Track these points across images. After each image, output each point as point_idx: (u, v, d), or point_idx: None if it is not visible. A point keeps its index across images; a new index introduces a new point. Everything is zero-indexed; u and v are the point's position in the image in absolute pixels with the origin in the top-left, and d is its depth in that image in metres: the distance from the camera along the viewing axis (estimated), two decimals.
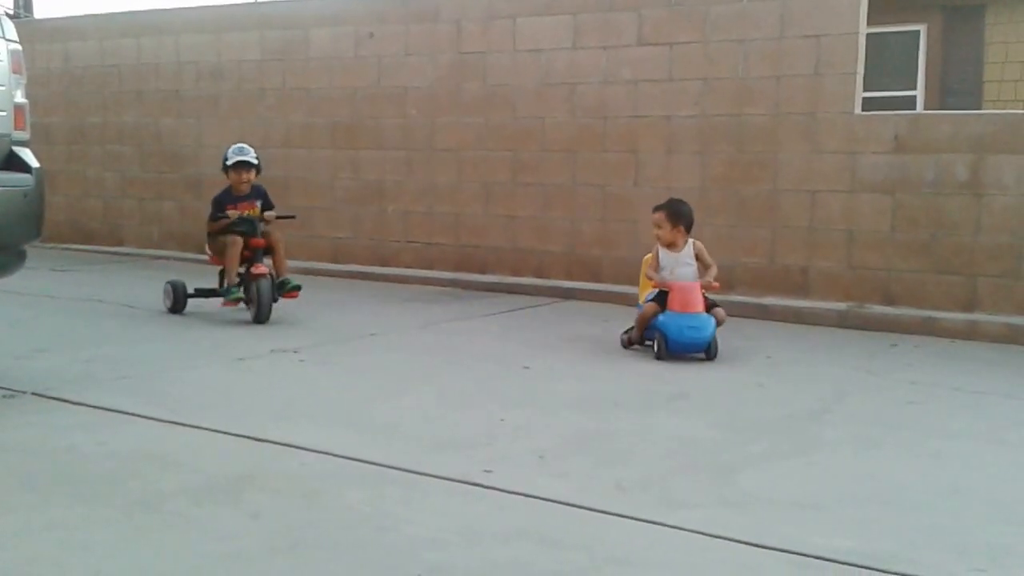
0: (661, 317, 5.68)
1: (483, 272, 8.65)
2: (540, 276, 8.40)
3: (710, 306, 5.75)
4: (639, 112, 7.89)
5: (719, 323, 5.71)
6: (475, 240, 8.74)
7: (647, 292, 5.96)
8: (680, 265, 5.83)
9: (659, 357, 5.66)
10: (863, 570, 2.80)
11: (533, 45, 8.32)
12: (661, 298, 5.75)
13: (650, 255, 5.98)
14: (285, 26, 9.65)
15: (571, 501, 3.30)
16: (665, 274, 5.80)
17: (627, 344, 5.97)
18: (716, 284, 5.83)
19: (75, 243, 10.97)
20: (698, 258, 5.87)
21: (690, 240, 5.89)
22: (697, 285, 5.73)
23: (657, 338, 5.71)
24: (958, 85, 10.06)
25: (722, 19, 7.49)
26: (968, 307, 6.75)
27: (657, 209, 5.94)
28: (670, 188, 7.55)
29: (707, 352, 5.66)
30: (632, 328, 5.96)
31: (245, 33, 9.89)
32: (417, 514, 3.18)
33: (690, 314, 5.62)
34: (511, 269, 8.55)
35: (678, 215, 5.86)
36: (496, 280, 8.46)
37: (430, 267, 8.93)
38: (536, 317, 7.25)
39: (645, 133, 7.87)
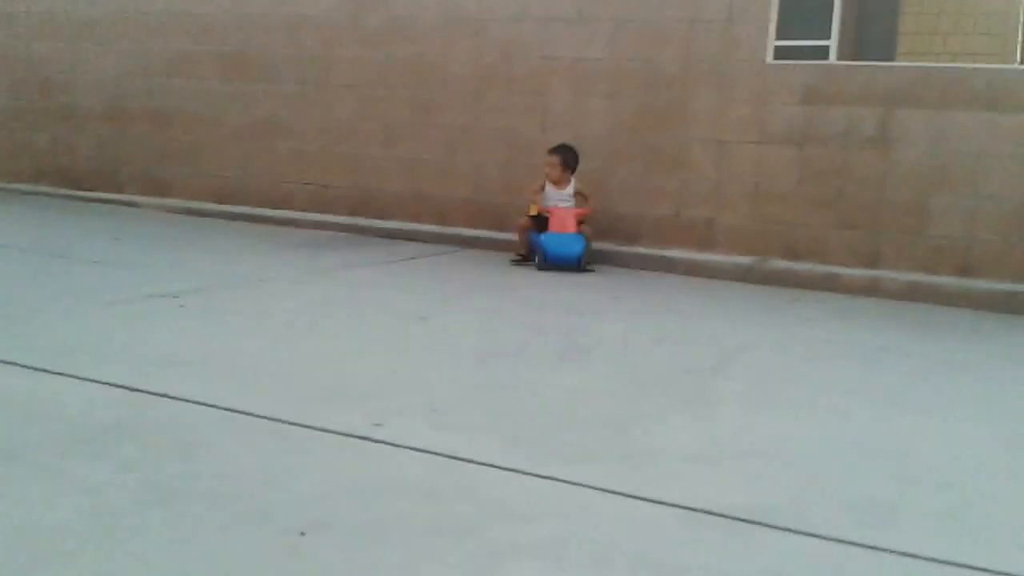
0: (543, 236, 6.94)
1: (382, 217, 8.35)
2: (442, 223, 8.15)
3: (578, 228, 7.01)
4: (548, 52, 7.65)
5: (588, 240, 6.95)
6: (374, 183, 8.42)
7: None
8: (562, 200, 7.13)
9: (540, 268, 6.88)
10: (752, 525, 2.78)
11: None
12: (540, 222, 7.05)
13: (536, 184, 7.21)
14: None
15: (462, 455, 3.19)
16: (549, 204, 7.08)
17: (515, 261, 7.15)
18: (586, 210, 7.10)
19: None
20: (579, 193, 7.17)
21: (572, 180, 7.17)
22: (571, 212, 7.02)
23: (538, 253, 6.93)
24: (873, 36, 10.09)
25: None
26: (871, 263, 6.78)
27: (552, 152, 7.15)
28: (579, 135, 7.39)
29: (577, 265, 6.85)
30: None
31: None
32: (301, 468, 3.04)
33: (564, 234, 6.94)
34: (412, 215, 8.27)
35: (568, 160, 7.15)
36: (396, 226, 8.18)
37: (325, 210, 8.58)
38: (436, 266, 7.04)
39: (554, 75, 7.65)
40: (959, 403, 4.18)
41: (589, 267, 6.97)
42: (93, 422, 3.34)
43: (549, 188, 7.16)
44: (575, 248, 6.88)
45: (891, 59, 9.92)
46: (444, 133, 8.10)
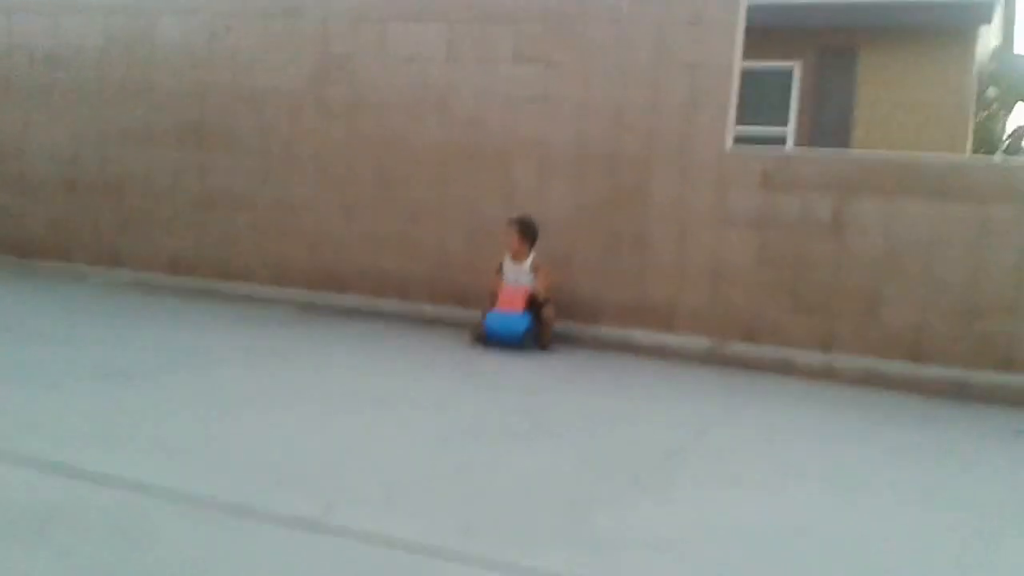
0: (488, 314, 6.90)
1: (342, 292, 8.24)
2: (404, 297, 8.06)
3: (539, 307, 6.90)
4: (514, 131, 7.69)
5: (547, 322, 6.90)
6: (334, 257, 8.33)
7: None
8: (520, 275, 7.05)
9: (484, 344, 6.84)
10: None
11: (405, 53, 8.02)
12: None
13: (495, 266, 7.15)
14: (131, 13, 8.91)
15: (416, 541, 3.11)
16: (508, 281, 7.03)
17: (472, 339, 6.98)
18: (543, 293, 6.95)
19: None
20: (537, 268, 7.04)
21: (532, 255, 7.07)
22: (521, 290, 6.92)
23: (481, 330, 6.88)
24: (829, 124, 10.32)
25: (598, 41, 7.39)
26: (827, 347, 6.81)
27: (510, 223, 7.10)
28: (543, 213, 7.37)
29: (521, 344, 6.77)
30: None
31: (86, 17, 9.09)
32: (247, 559, 2.93)
33: (508, 313, 6.85)
34: (372, 290, 8.17)
35: (526, 231, 7.08)
36: (355, 303, 8.04)
37: (283, 284, 8.42)
38: (396, 343, 6.94)
39: (519, 154, 7.68)
40: (917, 490, 4.19)
41: (543, 347, 6.92)
42: (30, 505, 3.22)
43: (508, 263, 7.10)
44: (517, 327, 6.80)
45: (847, 147, 10.14)
46: (407, 208, 8.06)
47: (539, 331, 6.95)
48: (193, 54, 8.70)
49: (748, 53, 7.26)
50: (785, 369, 6.69)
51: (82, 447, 3.86)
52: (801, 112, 10.76)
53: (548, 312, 6.93)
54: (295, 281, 8.40)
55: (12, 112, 9.47)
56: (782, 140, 10.69)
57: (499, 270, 7.14)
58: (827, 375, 6.60)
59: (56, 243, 9.31)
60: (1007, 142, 14.43)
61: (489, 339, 6.83)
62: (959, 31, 10.69)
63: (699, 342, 7.05)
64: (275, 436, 4.30)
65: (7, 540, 2.92)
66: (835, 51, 10.85)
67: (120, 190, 9.04)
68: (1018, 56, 14.51)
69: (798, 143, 10.65)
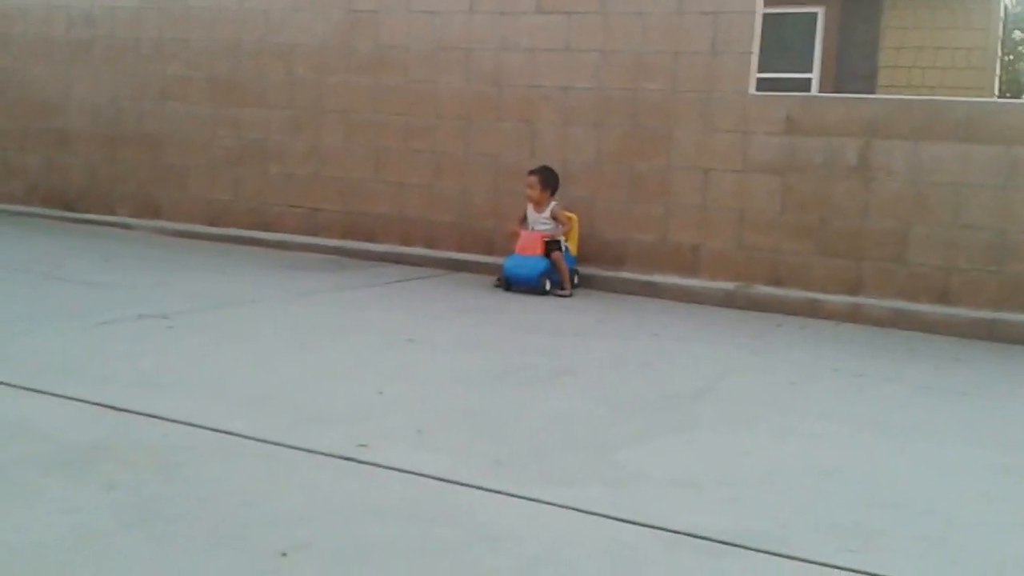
0: (508, 257, 7.09)
1: (371, 240, 8.40)
2: (430, 246, 8.20)
3: (550, 252, 7.02)
4: (536, 82, 7.74)
5: (556, 267, 6.98)
6: (363, 207, 8.48)
7: None
8: (538, 223, 7.16)
9: (497, 287, 7.06)
10: (734, 548, 2.78)
11: (428, 6, 8.07)
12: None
13: (518, 216, 7.31)
14: None
15: (446, 477, 3.21)
16: (527, 226, 7.19)
17: (497, 283, 7.17)
18: (558, 233, 7.12)
19: None
20: (554, 218, 7.13)
21: (552, 203, 7.15)
22: (537, 235, 7.04)
23: (501, 274, 7.06)
24: (853, 69, 10.20)
25: None
26: (853, 290, 6.85)
27: (532, 173, 7.20)
28: (565, 160, 7.48)
29: (538, 286, 6.89)
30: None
31: None
32: (284, 489, 3.04)
33: (525, 256, 6.97)
34: (400, 238, 8.32)
35: (546, 179, 7.16)
36: (384, 249, 8.23)
37: (315, 234, 8.64)
38: (423, 289, 7.08)
39: (541, 103, 7.74)
40: (941, 429, 4.22)
41: (562, 291, 6.97)
42: (77, 442, 3.33)
43: (530, 211, 7.24)
44: (533, 270, 6.91)
45: (872, 92, 10.04)
46: (432, 158, 8.18)
47: (559, 275, 7.02)
48: (225, 11, 8.85)
49: None
50: (811, 312, 6.74)
51: (125, 387, 3.98)
52: (825, 57, 10.64)
53: (557, 256, 7.02)
54: (327, 230, 8.57)
55: (53, 70, 9.70)
56: (806, 86, 10.60)
57: (523, 219, 7.27)
58: (854, 317, 6.64)
59: (99, 196, 9.56)
60: None
61: (506, 280, 6.99)
62: None
63: (724, 286, 7.11)
64: (308, 376, 4.42)
65: (56, 475, 3.03)
66: None
67: (158, 144, 9.24)
68: None
69: (822, 89, 10.55)
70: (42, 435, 3.38)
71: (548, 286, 6.96)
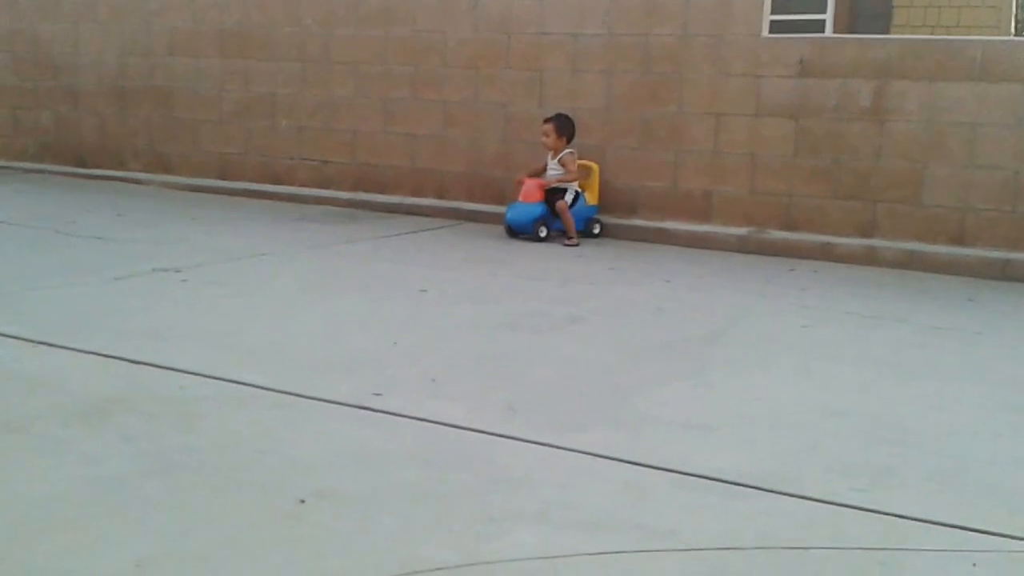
0: (508, 206, 7.14)
1: (382, 192, 8.38)
2: (441, 197, 8.18)
3: (554, 201, 6.98)
4: (545, 29, 7.66)
5: (558, 214, 6.95)
6: (373, 159, 8.45)
7: None
8: (551, 169, 7.14)
9: (510, 235, 7.07)
10: (747, 489, 2.81)
11: None
12: (549, 194, 7.06)
13: (538, 167, 7.23)
14: None
15: (461, 424, 3.24)
16: (548, 178, 7.13)
17: (507, 233, 7.16)
18: (565, 180, 7.05)
19: None
20: (562, 164, 7.08)
21: (566, 151, 7.10)
22: (538, 182, 7.02)
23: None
24: (868, 9, 10.03)
25: None
26: (867, 233, 6.81)
27: (547, 120, 7.16)
28: (575, 108, 7.41)
29: (533, 233, 6.92)
30: None
31: None
32: (301, 438, 3.09)
33: (523, 203, 7.00)
34: (411, 189, 8.30)
35: (562, 127, 7.10)
36: (395, 201, 8.21)
37: (325, 186, 8.61)
38: (435, 239, 7.08)
39: (550, 51, 7.66)
40: (953, 369, 4.22)
41: (569, 241, 6.92)
42: (95, 394, 3.38)
43: (549, 161, 7.16)
44: (528, 216, 6.92)
45: (887, 32, 9.88)
46: (442, 109, 8.12)
47: (563, 224, 6.99)
48: None
49: None
50: (825, 255, 6.71)
51: (141, 340, 4.02)
52: None
53: (561, 205, 6.95)
54: (337, 182, 8.56)
55: (62, 26, 9.68)
56: (820, 27, 10.42)
57: (544, 168, 7.19)
58: (868, 260, 6.61)
59: (110, 151, 9.59)
60: None
61: (506, 226, 7.07)
62: None
63: (737, 231, 7.07)
64: (322, 327, 4.45)
65: (74, 425, 3.09)
66: None
67: (168, 99, 9.23)
68: None
69: (836, 30, 10.35)
70: (61, 388, 3.43)
71: (544, 233, 6.96)
